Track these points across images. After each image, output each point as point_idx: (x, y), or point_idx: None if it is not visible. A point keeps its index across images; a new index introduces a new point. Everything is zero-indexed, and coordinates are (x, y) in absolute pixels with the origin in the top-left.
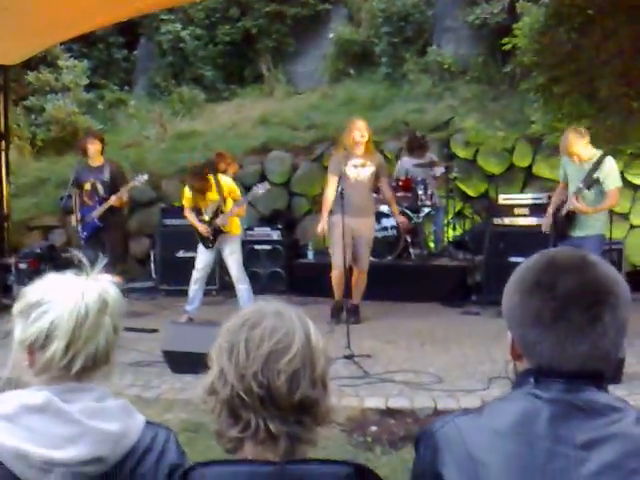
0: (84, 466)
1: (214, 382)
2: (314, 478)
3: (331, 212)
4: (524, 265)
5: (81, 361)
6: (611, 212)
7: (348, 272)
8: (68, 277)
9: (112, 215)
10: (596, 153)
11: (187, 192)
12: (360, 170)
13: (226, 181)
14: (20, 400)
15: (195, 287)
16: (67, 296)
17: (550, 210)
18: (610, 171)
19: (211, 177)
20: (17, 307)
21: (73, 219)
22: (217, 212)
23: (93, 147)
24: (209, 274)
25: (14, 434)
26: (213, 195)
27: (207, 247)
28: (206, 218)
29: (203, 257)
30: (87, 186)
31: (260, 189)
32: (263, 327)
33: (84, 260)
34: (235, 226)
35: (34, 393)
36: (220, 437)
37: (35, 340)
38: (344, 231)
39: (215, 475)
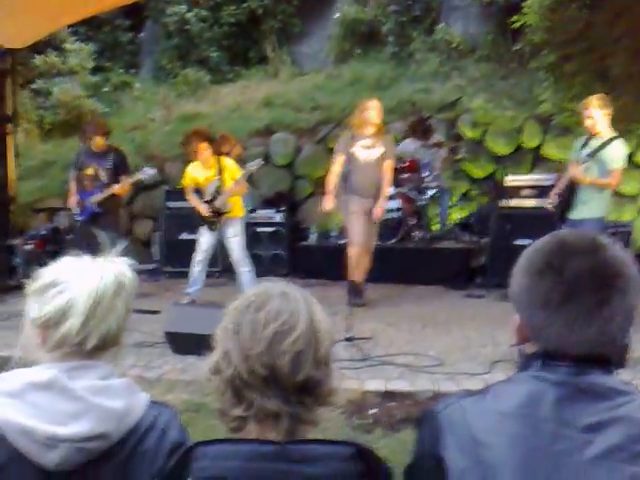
0: (88, 442)
1: (219, 362)
2: (316, 458)
3: (338, 193)
4: (533, 247)
5: (94, 340)
6: (619, 194)
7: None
8: (84, 259)
9: (109, 201)
10: (609, 134)
11: (188, 172)
12: (370, 151)
13: (227, 162)
14: (26, 377)
15: (197, 269)
16: (85, 276)
17: (561, 184)
18: (615, 152)
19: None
20: (32, 287)
21: (72, 201)
22: (216, 193)
23: (95, 141)
24: (212, 256)
25: (19, 410)
26: (212, 175)
27: (212, 230)
28: (207, 199)
29: (205, 239)
30: (89, 171)
31: (254, 165)
32: (268, 309)
33: (103, 240)
34: (238, 208)
35: (41, 370)
36: (223, 416)
37: (51, 317)
38: (350, 209)
39: (217, 453)
